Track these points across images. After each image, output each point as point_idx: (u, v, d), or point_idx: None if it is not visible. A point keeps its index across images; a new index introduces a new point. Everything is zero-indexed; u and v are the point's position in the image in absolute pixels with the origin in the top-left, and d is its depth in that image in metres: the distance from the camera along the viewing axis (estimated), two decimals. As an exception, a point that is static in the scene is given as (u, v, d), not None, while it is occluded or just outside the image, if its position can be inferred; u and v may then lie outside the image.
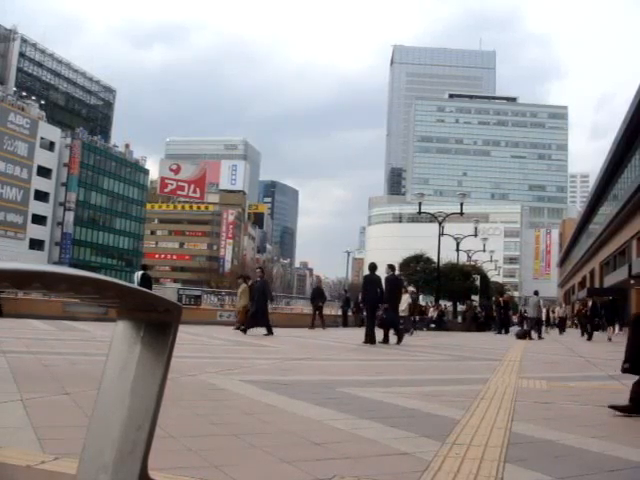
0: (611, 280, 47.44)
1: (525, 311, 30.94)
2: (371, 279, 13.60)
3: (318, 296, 23.18)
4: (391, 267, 14.21)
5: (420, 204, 35.83)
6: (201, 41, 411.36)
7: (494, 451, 2.98)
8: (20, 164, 71.68)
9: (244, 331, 14.87)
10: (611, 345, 18.09)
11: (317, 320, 21.82)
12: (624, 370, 4.35)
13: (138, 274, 18.10)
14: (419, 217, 71.87)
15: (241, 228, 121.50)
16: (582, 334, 25.17)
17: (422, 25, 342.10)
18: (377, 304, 13.32)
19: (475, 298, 39.81)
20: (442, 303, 36.69)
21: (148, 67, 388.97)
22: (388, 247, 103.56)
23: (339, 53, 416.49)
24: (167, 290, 34.00)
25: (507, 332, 27.13)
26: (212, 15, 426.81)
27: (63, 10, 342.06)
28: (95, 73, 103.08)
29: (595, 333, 23.98)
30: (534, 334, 21.46)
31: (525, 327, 23.60)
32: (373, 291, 13.28)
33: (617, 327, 26.91)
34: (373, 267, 13.83)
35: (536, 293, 24.10)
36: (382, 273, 13.91)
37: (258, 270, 17.47)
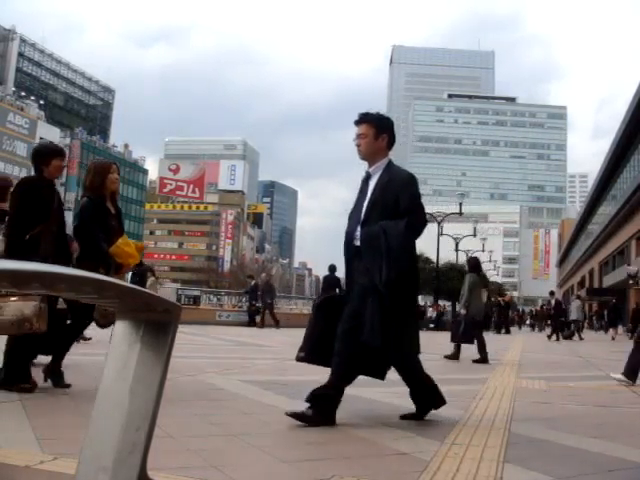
0: (610, 280, 47.49)
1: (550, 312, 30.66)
2: (331, 280, 14.69)
3: (267, 292, 21.71)
4: (330, 269, 15.42)
5: (419, 204, 35.76)
6: (202, 42, 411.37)
7: (493, 451, 2.98)
8: (19, 164, 71.63)
9: None
10: (611, 345, 18.10)
11: (266, 319, 20.69)
12: (298, 359, 4.01)
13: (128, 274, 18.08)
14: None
15: (240, 228, 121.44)
16: (550, 336, 22.46)
17: (422, 26, 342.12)
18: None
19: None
20: (441, 303, 36.69)
21: (148, 67, 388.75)
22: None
23: (339, 54, 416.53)
24: (166, 290, 33.98)
25: (508, 332, 27.10)
26: (213, 16, 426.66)
27: (64, 12, 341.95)
28: (95, 73, 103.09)
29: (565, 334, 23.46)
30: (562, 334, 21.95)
31: (571, 328, 23.78)
32: (333, 291, 14.41)
33: (620, 328, 27.30)
34: (333, 268, 14.87)
35: (552, 293, 24.43)
36: None
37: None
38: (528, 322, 43.80)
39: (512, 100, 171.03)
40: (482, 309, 10.08)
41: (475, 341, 9.57)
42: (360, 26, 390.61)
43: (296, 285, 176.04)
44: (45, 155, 4.53)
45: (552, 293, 24.69)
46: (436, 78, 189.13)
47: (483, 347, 9.34)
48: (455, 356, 9.58)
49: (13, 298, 4.05)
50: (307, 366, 4.14)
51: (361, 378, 6.04)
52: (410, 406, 4.48)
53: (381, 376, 3.96)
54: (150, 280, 16.69)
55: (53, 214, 4.43)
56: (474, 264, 10.35)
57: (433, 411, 3.95)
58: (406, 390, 4.21)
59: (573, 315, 23.57)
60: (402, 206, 3.68)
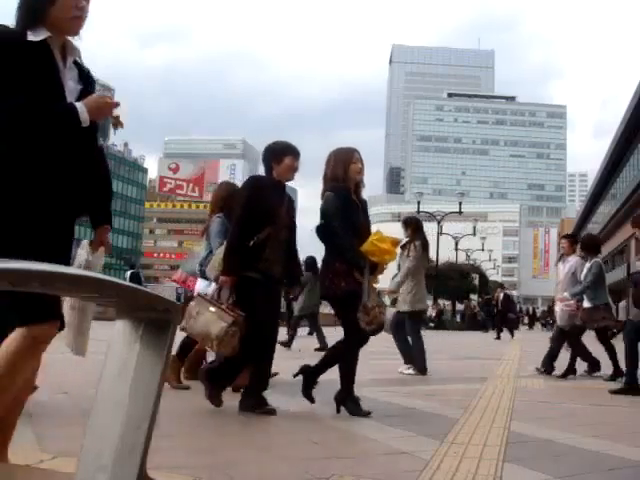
0: (609, 279, 47.34)
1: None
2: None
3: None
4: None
5: (419, 203, 35.85)
6: (203, 41, 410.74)
7: (493, 450, 2.98)
8: (19, 163, 71.71)
9: None
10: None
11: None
12: None
13: (127, 273, 18.06)
14: (418, 216, 71.88)
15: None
16: (498, 336, 19.64)
17: (422, 25, 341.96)
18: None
19: (474, 297, 39.82)
20: (440, 302, 36.68)
21: (149, 66, 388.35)
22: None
23: (339, 53, 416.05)
24: (165, 289, 33.97)
25: (498, 337, 20.02)
26: (215, 16, 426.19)
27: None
28: (95, 72, 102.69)
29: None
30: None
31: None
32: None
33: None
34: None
35: (501, 286, 23.95)
36: None
37: None
38: (526, 321, 43.75)
39: (512, 99, 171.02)
40: (314, 305, 10.98)
41: (313, 331, 10.70)
42: (361, 26, 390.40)
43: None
44: (277, 153, 4.00)
45: (501, 286, 24.20)
46: (436, 77, 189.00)
47: (322, 337, 10.35)
48: (288, 344, 10.50)
49: (212, 309, 3.69)
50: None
51: (360, 378, 6.03)
52: (410, 405, 4.48)
53: None
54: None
55: (281, 219, 3.92)
56: (310, 263, 11.04)
57: (430, 410, 3.94)
58: (406, 390, 4.22)
59: (620, 316, 23.66)
60: None
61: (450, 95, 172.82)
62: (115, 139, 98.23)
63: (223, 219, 4.96)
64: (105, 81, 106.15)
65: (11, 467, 2.29)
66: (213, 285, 4.55)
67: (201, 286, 4.97)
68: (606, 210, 49.05)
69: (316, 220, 4.13)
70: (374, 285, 4.00)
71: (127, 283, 1.09)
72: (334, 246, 3.94)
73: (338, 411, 3.89)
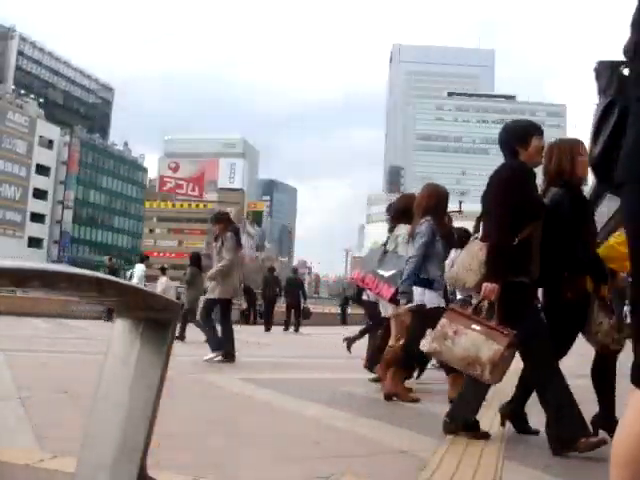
0: (609, 278, 47.55)
1: None
2: (271, 278, 17.87)
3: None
4: (293, 270, 19.61)
5: (419, 202, 35.78)
6: (203, 40, 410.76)
7: (493, 449, 2.98)
8: (19, 162, 71.59)
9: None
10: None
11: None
12: None
13: (127, 273, 18.02)
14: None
15: (240, 226, 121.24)
16: None
17: (422, 24, 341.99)
18: (275, 299, 17.97)
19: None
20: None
21: (149, 65, 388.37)
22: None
23: (340, 52, 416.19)
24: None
25: None
26: (215, 15, 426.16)
27: (65, 10, 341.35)
28: (95, 71, 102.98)
29: None
30: None
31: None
32: (273, 289, 17.55)
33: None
34: (272, 269, 18.79)
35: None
36: None
37: None
38: None
39: (512, 98, 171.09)
40: (197, 297, 11.53)
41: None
42: (361, 25, 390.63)
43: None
44: (522, 134, 3.47)
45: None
46: (436, 76, 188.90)
47: (183, 328, 11.13)
48: (181, 337, 11.03)
49: (476, 327, 3.12)
50: (307, 365, 4.15)
51: (360, 378, 6.02)
52: (410, 404, 4.47)
53: None
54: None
55: (543, 212, 3.37)
56: (195, 258, 12.28)
57: (429, 409, 3.93)
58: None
59: None
60: None
61: (450, 94, 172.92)
62: (115, 138, 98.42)
63: (431, 223, 4.68)
64: (105, 81, 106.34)
65: (11, 467, 2.29)
66: (427, 293, 4.48)
67: (427, 297, 4.55)
68: (606, 209, 49.07)
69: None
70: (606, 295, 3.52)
71: (127, 282, 1.09)
72: (564, 252, 3.42)
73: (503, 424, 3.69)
